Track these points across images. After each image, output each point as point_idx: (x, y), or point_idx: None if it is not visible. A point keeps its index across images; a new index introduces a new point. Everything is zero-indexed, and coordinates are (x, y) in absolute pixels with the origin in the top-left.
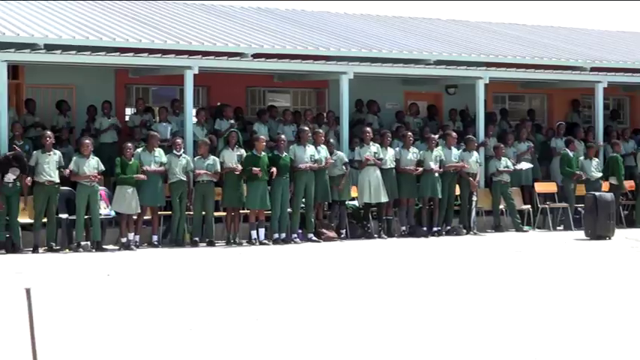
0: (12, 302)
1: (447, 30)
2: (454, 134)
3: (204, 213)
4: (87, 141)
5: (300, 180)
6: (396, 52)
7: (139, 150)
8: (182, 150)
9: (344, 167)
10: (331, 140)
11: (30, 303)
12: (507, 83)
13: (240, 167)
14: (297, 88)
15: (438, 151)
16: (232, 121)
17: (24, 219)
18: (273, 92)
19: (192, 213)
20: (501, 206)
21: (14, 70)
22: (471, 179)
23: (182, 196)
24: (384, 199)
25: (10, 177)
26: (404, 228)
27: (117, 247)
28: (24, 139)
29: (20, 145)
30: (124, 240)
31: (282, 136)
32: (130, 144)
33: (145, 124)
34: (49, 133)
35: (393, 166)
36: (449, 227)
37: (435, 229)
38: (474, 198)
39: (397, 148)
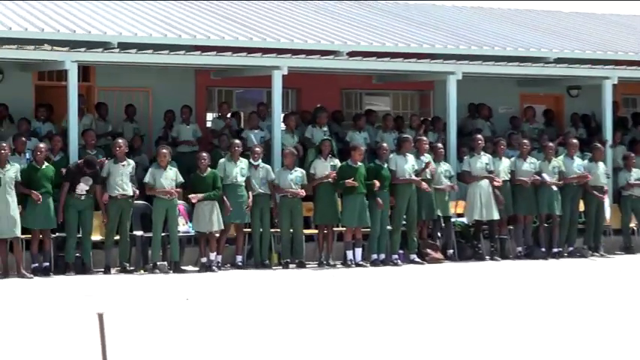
0: (82, 328)
1: (569, 24)
2: (575, 141)
3: (292, 231)
4: (164, 150)
5: (401, 194)
6: (511, 49)
7: (224, 160)
8: (260, 159)
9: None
10: (439, 147)
11: (102, 329)
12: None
13: (334, 174)
14: (399, 91)
15: (558, 162)
16: (326, 129)
17: (95, 236)
18: (372, 95)
19: (278, 230)
20: (632, 224)
21: (85, 71)
22: (597, 193)
23: (264, 211)
24: (496, 215)
25: (82, 188)
26: (520, 249)
27: (197, 269)
28: (96, 148)
29: (93, 154)
30: (204, 260)
31: (384, 144)
32: (204, 154)
33: (231, 129)
34: (121, 140)
35: (507, 178)
36: (571, 248)
37: (554, 250)
38: (606, 214)
39: (512, 159)
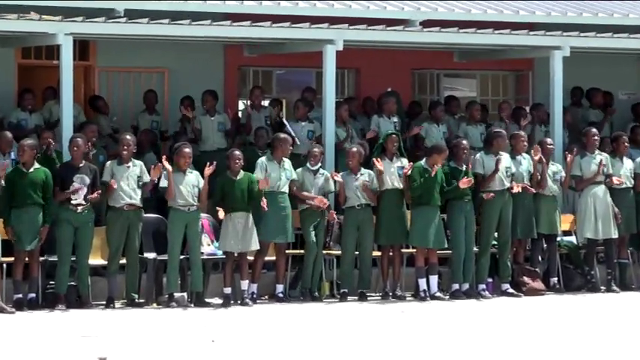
0: None
1: None
2: None
3: (357, 253)
4: (187, 150)
5: (491, 206)
6: (635, 16)
7: (263, 159)
8: (320, 164)
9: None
10: (548, 142)
11: None
12: None
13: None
14: (488, 71)
15: None
16: (396, 120)
17: (95, 260)
18: (453, 77)
19: (334, 252)
20: None
21: (82, 47)
22: None
23: (319, 228)
24: (615, 233)
25: (77, 191)
26: None
27: (225, 301)
28: (97, 147)
29: (93, 154)
30: (227, 291)
31: (464, 142)
32: (237, 152)
33: (276, 122)
34: (128, 137)
35: (630, 184)
36: None
37: None
38: None
39: (638, 159)
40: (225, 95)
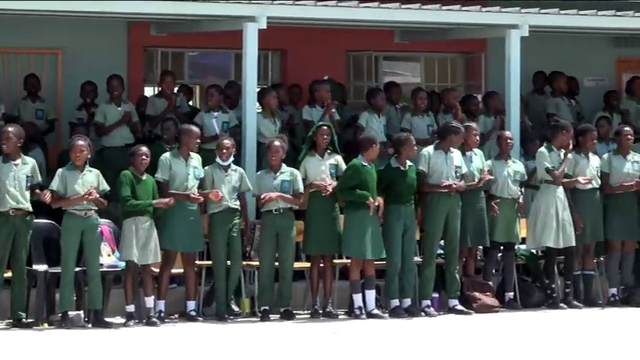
0: None
1: None
2: None
3: (277, 264)
4: (80, 142)
5: (436, 208)
6: None
7: (167, 155)
8: (231, 158)
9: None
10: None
11: None
12: None
13: (333, 183)
14: (434, 53)
15: None
16: (333, 110)
17: None
18: (394, 60)
19: (255, 263)
20: None
21: None
22: None
23: (232, 235)
24: (553, 243)
25: None
26: (614, 291)
27: (127, 321)
28: None
29: None
30: (130, 309)
31: (407, 136)
32: (144, 148)
33: (177, 111)
34: (11, 129)
35: (597, 185)
36: None
37: None
38: None
39: (605, 155)
40: (129, 80)
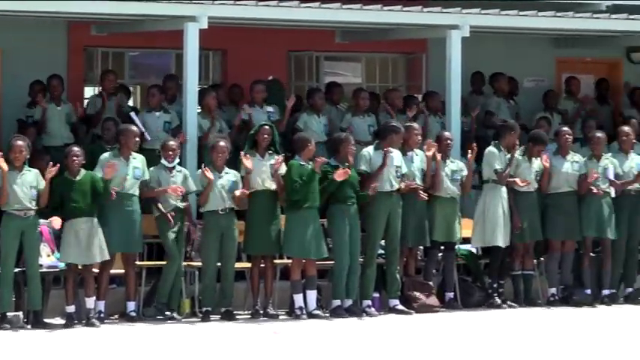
0: None
1: None
2: (628, 130)
3: (219, 264)
4: (19, 142)
5: (377, 209)
6: None
7: (106, 155)
8: (177, 159)
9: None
10: (446, 136)
11: None
12: None
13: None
14: (375, 54)
15: (609, 160)
16: (272, 110)
17: None
18: (335, 60)
19: (196, 264)
20: None
21: None
22: None
23: (178, 236)
24: (502, 241)
25: None
26: (554, 290)
27: (67, 322)
28: None
29: None
30: (70, 309)
31: (346, 136)
32: (75, 148)
33: (120, 110)
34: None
35: (536, 185)
36: (630, 290)
37: (605, 292)
38: None
39: (545, 156)
40: (69, 80)
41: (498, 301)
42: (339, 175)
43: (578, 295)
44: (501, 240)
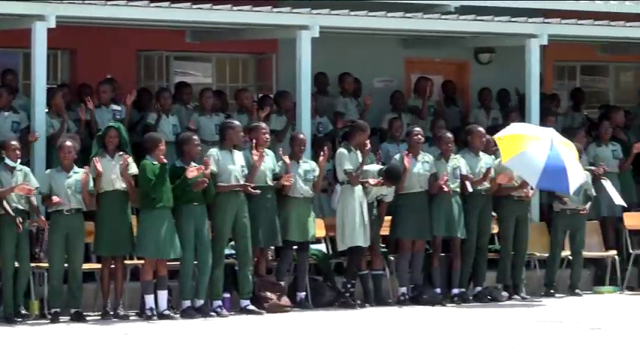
0: None
1: None
2: (481, 131)
3: (66, 265)
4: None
5: (225, 208)
6: None
7: None
8: (18, 159)
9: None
10: (300, 137)
11: None
12: (581, 46)
13: (128, 182)
14: (225, 54)
15: (457, 160)
16: (119, 108)
17: None
18: (185, 60)
19: (44, 265)
20: (566, 253)
21: None
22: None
23: (20, 236)
24: (363, 241)
25: None
26: (404, 290)
27: None
28: None
29: None
30: None
31: (190, 135)
32: None
33: None
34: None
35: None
36: (479, 289)
37: (455, 291)
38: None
39: (397, 156)
40: None
41: (350, 300)
42: (190, 172)
43: (428, 295)
44: (361, 240)
